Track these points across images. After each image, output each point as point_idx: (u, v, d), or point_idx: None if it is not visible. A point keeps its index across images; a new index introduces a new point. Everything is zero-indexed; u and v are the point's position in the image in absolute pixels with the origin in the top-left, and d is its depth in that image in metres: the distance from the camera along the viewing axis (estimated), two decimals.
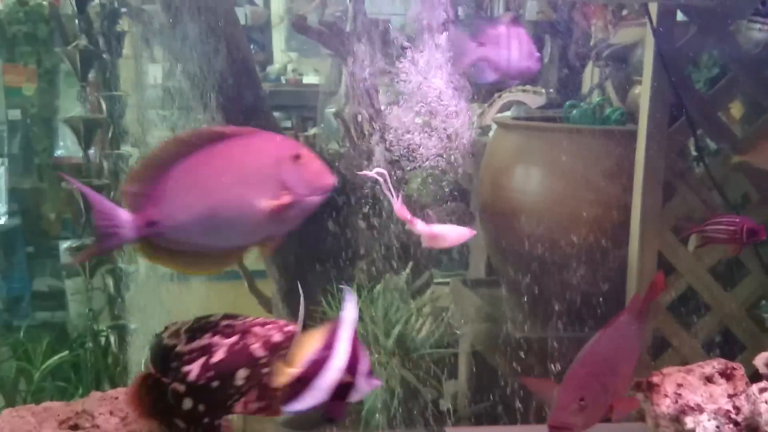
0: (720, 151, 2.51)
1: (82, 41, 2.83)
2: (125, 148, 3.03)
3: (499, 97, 3.78)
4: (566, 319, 2.66)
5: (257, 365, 1.29)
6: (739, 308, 2.50)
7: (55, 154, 4.43)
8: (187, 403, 1.30)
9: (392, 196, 1.44)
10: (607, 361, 1.62)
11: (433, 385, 2.70)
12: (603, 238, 2.59)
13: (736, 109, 2.94)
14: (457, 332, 3.02)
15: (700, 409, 1.73)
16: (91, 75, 2.97)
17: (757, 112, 2.65)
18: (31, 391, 3.52)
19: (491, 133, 3.40)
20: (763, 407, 1.59)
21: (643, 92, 2.40)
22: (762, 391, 1.63)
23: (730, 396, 1.75)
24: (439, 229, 1.48)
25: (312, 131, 4.43)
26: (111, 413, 1.59)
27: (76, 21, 2.84)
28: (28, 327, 4.04)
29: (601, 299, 2.50)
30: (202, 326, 1.33)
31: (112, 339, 2.99)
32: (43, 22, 4.36)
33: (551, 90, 3.67)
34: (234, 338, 1.29)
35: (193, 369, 1.28)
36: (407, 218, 1.44)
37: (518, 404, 2.62)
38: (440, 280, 3.67)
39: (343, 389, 1.23)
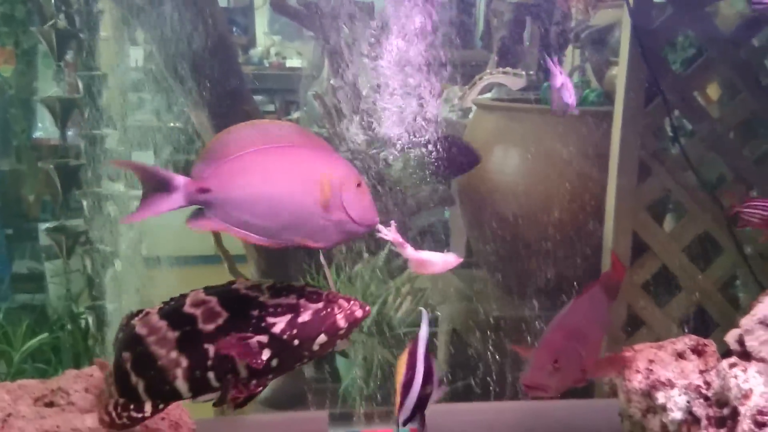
0: (696, 132, 2.53)
1: (59, 21, 2.80)
2: (104, 130, 3.01)
3: (480, 79, 3.78)
4: (544, 297, 2.68)
5: (336, 335, 1.32)
6: (713, 287, 2.53)
7: (34, 136, 4.40)
8: (266, 354, 1.30)
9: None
10: (580, 328, 1.67)
11: None
12: (580, 218, 2.61)
13: (713, 91, 2.96)
14: (438, 313, 3.04)
15: (671, 385, 1.75)
16: (69, 55, 2.94)
17: (733, 93, 2.68)
18: (11, 374, 3.51)
19: (471, 116, 3.41)
20: (732, 382, 1.61)
21: (619, 73, 2.42)
22: (732, 366, 1.65)
23: (701, 372, 1.77)
24: (426, 255, 1.51)
25: (295, 115, 4.42)
26: (86, 390, 1.60)
27: (53, 0, 2.82)
28: (8, 309, 4.03)
29: (577, 278, 2.52)
30: (286, 287, 1.35)
31: (90, 320, 2.98)
32: (21, 2, 4.31)
33: (531, 72, 3.68)
34: (320, 304, 1.32)
35: (279, 323, 1.30)
36: (399, 242, 1.46)
37: (495, 382, 2.64)
38: None
39: (423, 400, 1.36)
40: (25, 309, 4.09)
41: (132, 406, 1.37)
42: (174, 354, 1.33)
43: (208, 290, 1.36)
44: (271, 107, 5.21)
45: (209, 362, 1.32)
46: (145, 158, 3.33)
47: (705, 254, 2.60)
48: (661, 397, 1.75)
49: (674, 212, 2.80)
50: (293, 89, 4.61)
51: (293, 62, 5.45)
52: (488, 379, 2.65)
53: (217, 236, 3.02)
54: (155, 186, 1.34)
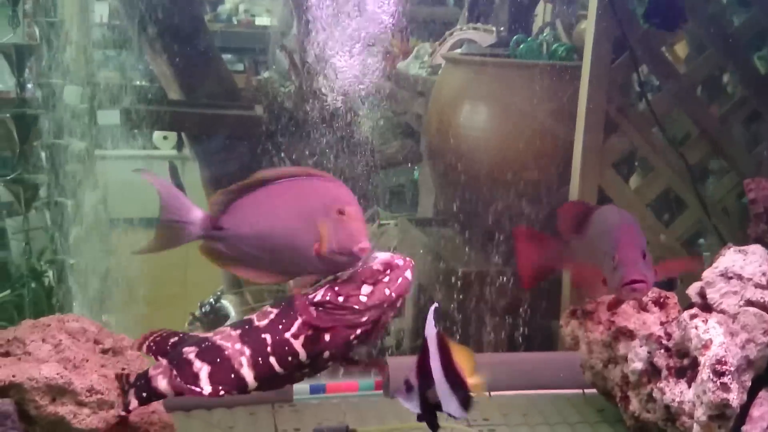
0: (663, 88, 2.53)
1: None
2: (63, 81, 2.93)
3: (450, 35, 3.75)
4: (510, 254, 2.69)
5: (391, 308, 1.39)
6: (677, 243, 2.55)
7: None
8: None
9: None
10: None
11: None
12: (547, 175, 2.61)
13: (681, 49, 2.96)
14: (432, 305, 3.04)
15: (632, 335, 1.77)
16: (28, 3, 2.84)
17: (700, 51, 2.68)
18: None
19: (440, 72, 3.38)
20: (692, 332, 1.63)
21: (587, 27, 2.40)
22: (693, 317, 1.66)
23: (662, 323, 1.79)
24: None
25: (265, 75, 4.35)
26: (43, 340, 1.56)
27: None
28: None
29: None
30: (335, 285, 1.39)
31: (51, 274, 2.93)
32: None
33: (502, 28, 3.65)
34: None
35: (319, 293, 1.38)
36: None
37: (460, 335, 2.66)
38: (386, 222, 3.68)
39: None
40: None
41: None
42: (238, 345, 1.38)
43: (274, 302, 1.43)
44: (240, 66, 5.12)
45: (268, 348, 1.37)
46: (111, 116, 3.26)
47: (669, 210, 2.62)
48: (622, 347, 1.76)
49: (640, 169, 2.81)
50: (263, 48, 4.53)
51: (263, 20, 5.34)
52: (454, 332, 2.66)
53: None
54: (174, 212, 1.44)
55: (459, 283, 2.75)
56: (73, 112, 3.02)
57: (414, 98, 3.74)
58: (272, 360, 1.37)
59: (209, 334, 1.42)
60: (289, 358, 1.37)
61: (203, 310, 3.32)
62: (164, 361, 1.40)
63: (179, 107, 3.25)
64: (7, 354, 1.54)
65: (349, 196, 1.44)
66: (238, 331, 1.39)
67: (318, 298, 1.38)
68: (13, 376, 1.46)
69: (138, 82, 3.71)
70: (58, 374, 1.47)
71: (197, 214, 1.44)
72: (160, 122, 3.16)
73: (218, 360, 1.37)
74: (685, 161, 2.44)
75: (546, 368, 2.03)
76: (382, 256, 1.40)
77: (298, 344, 1.36)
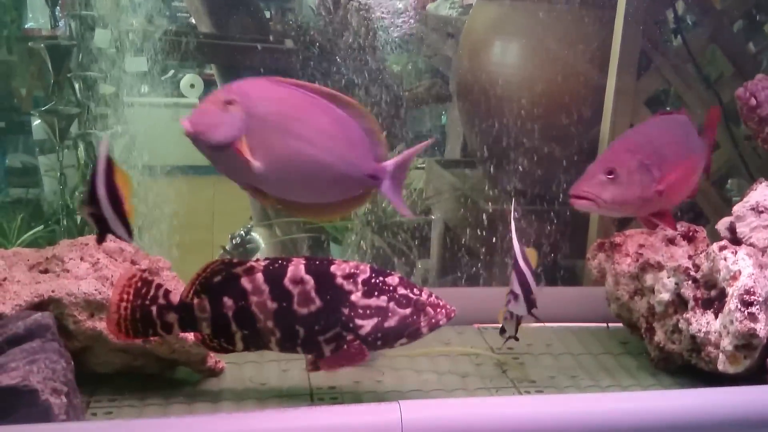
0: (698, 24, 2.48)
1: None
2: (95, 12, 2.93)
3: None
4: (537, 193, 2.69)
5: (415, 339, 1.44)
6: (707, 182, 2.53)
7: (25, 26, 4.29)
8: None
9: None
10: (652, 143, 1.60)
11: (404, 252, 2.74)
12: (579, 113, 2.59)
13: None
14: (432, 214, 3.05)
15: (660, 267, 1.77)
16: None
17: None
18: None
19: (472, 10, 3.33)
20: (721, 264, 1.63)
21: None
22: (722, 249, 1.66)
23: (690, 256, 1.79)
24: None
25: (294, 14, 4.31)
26: (81, 259, 1.60)
27: None
28: (2, 203, 4.02)
29: (571, 178, 2.52)
30: (380, 284, 1.42)
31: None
32: None
33: None
34: (408, 311, 1.41)
35: (367, 326, 1.41)
36: None
37: (485, 273, 2.67)
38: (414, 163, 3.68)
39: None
40: (19, 203, 4.09)
41: (223, 339, 1.45)
42: (270, 324, 1.42)
43: (308, 265, 1.43)
44: (267, 14, 5.07)
45: (299, 340, 1.43)
46: (138, 63, 3.26)
47: None
48: (649, 279, 1.77)
49: (674, 107, 2.77)
50: None
51: None
52: (479, 270, 2.68)
53: None
54: None
55: (486, 221, 2.76)
56: (103, 56, 3.04)
57: (444, 40, 3.71)
58: (298, 348, 1.45)
59: (248, 286, 1.42)
60: (313, 352, 1.45)
61: (234, 242, 3.37)
62: (207, 307, 1.43)
63: (210, 39, 3.24)
64: (46, 271, 1.59)
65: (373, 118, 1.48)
66: (275, 306, 1.41)
67: (363, 332, 1.41)
68: (53, 291, 1.50)
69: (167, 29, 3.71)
70: (96, 290, 1.51)
71: None
72: (192, 56, 3.16)
73: (250, 331, 1.42)
74: (719, 99, 2.41)
75: (570, 301, 2.04)
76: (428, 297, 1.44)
77: (327, 348, 1.44)
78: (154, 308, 1.44)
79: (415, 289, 1.44)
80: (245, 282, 1.42)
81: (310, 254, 3.00)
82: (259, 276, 1.42)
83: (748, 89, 1.89)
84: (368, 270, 1.44)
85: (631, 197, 1.56)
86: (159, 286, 1.46)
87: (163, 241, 3.47)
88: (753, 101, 1.87)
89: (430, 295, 1.44)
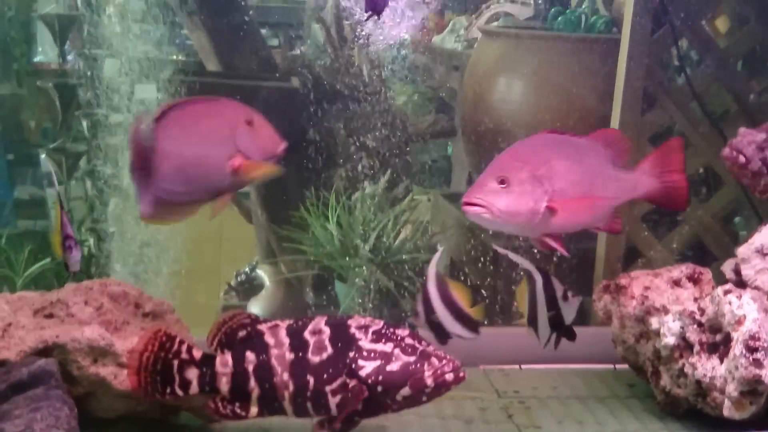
0: (702, 62, 2.49)
1: None
2: (104, 51, 2.97)
3: (487, 8, 3.71)
4: None
5: (421, 391, 1.41)
6: (713, 220, 2.52)
7: (34, 60, 4.33)
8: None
9: None
10: (541, 156, 1.55)
11: (410, 291, 2.74)
12: None
13: (722, 23, 2.90)
14: (438, 247, 3.04)
15: (665, 310, 1.76)
16: None
17: (742, 25, 2.63)
18: None
19: (476, 45, 3.35)
20: (726, 308, 1.62)
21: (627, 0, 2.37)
22: (726, 293, 1.66)
23: (695, 299, 1.78)
24: None
25: (301, 49, 4.36)
26: (86, 303, 1.61)
27: None
28: (10, 235, 4.03)
29: None
30: (390, 332, 1.44)
31: (91, 241, 3.00)
32: None
33: (539, 1, 3.61)
34: (412, 359, 1.40)
35: (368, 367, 1.40)
36: None
37: (491, 309, 2.66)
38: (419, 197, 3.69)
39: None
40: (27, 235, 4.10)
41: (237, 404, 1.46)
42: (286, 376, 1.43)
43: (329, 318, 1.47)
44: (275, 41, 5.12)
45: (308, 393, 1.43)
46: (147, 90, 3.29)
47: (707, 187, 2.59)
48: (655, 322, 1.76)
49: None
50: (299, 22, 4.53)
51: None
52: (484, 306, 2.66)
53: None
54: None
55: (491, 258, 2.76)
56: (112, 85, 3.07)
57: (449, 72, 3.73)
58: (308, 405, 1.44)
59: (270, 340, 1.45)
60: (321, 411, 1.44)
61: (239, 279, 3.38)
62: (230, 362, 1.45)
63: (217, 78, 3.29)
64: (51, 315, 1.60)
65: (249, 108, 1.53)
66: (292, 357, 1.43)
67: (363, 373, 1.40)
68: (57, 337, 1.50)
69: (176, 56, 3.74)
70: (100, 336, 1.52)
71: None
72: (199, 94, 3.18)
73: (267, 386, 1.43)
74: (723, 137, 2.40)
75: (577, 342, 2.02)
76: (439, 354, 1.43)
77: (333, 402, 1.42)
78: (175, 362, 1.46)
79: (423, 342, 1.44)
80: (269, 337, 1.45)
81: (314, 292, 3.01)
82: (283, 331, 1.46)
83: (733, 147, 1.82)
84: (382, 323, 1.46)
85: (524, 208, 1.51)
86: (182, 342, 1.48)
87: (170, 267, 3.48)
88: (741, 158, 1.81)
89: (437, 349, 1.44)
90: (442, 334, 1.59)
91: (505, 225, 1.55)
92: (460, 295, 1.60)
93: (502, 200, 1.49)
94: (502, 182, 1.49)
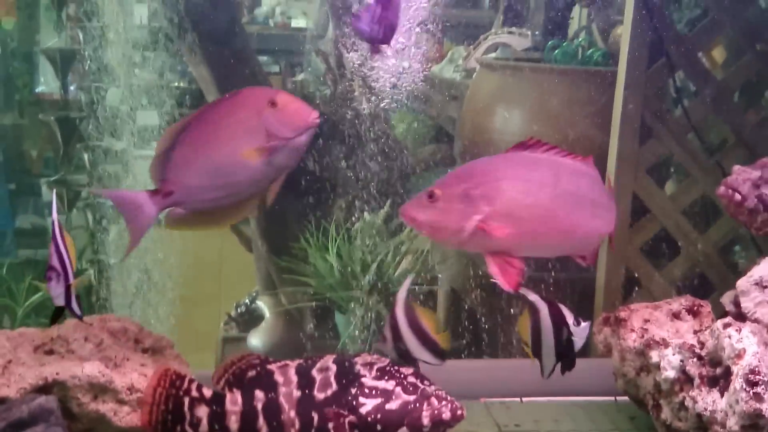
0: (699, 94, 2.51)
1: None
2: (105, 84, 3.00)
3: (485, 39, 3.75)
4: (542, 259, 2.68)
5: (419, 430, 1.41)
6: (712, 250, 2.53)
7: (36, 90, 4.37)
8: None
9: None
10: (488, 175, 1.53)
11: None
12: None
13: (718, 54, 2.93)
14: (439, 276, 3.05)
15: (665, 344, 1.76)
16: (71, 8, 2.92)
17: (738, 55, 2.65)
18: (15, 328, 3.55)
19: (474, 75, 3.38)
20: (726, 341, 1.62)
21: (623, 32, 2.39)
22: (726, 326, 1.65)
23: (695, 332, 1.78)
24: None
25: (300, 76, 4.40)
26: (86, 339, 1.62)
27: None
28: (11, 264, 4.04)
29: None
30: (390, 371, 1.45)
31: (92, 273, 3.01)
32: None
33: (537, 32, 3.65)
34: (412, 397, 1.42)
35: (368, 404, 1.42)
36: None
37: (490, 340, 2.66)
38: None
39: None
40: (28, 264, 4.11)
41: None
42: (293, 413, 1.44)
43: (338, 357, 1.48)
44: (275, 68, 5.17)
45: (313, 430, 1.43)
46: (149, 117, 3.32)
47: (705, 217, 2.60)
48: (655, 356, 1.76)
49: (675, 175, 2.79)
50: (298, 50, 4.58)
51: (298, 22, 5.39)
52: (484, 336, 2.67)
53: None
54: (126, 207, 1.49)
55: (490, 287, 2.76)
56: (114, 113, 3.10)
57: (448, 101, 3.76)
58: None
59: (279, 379, 1.45)
60: None
61: (239, 310, 3.38)
62: (239, 400, 1.45)
63: None
64: (51, 352, 1.60)
65: (270, 89, 1.53)
66: (299, 394, 1.44)
67: (363, 410, 1.41)
68: (57, 374, 1.50)
69: (177, 84, 3.78)
70: (99, 372, 1.52)
71: (142, 196, 1.49)
72: None
73: (275, 424, 1.43)
74: (721, 168, 2.42)
75: (577, 375, 2.02)
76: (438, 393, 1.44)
77: None
78: (186, 399, 1.46)
79: (425, 381, 1.45)
80: (278, 375, 1.46)
81: (314, 324, 3.01)
82: (292, 369, 1.47)
83: (728, 186, 1.81)
84: (387, 361, 1.48)
85: (448, 224, 1.50)
86: (192, 380, 1.49)
87: (169, 293, 3.49)
88: (737, 197, 1.80)
89: (439, 390, 1.44)
90: (408, 360, 1.59)
91: (437, 239, 1.59)
92: (427, 322, 1.60)
93: (425, 214, 1.50)
94: (431, 197, 1.50)
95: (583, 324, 1.66)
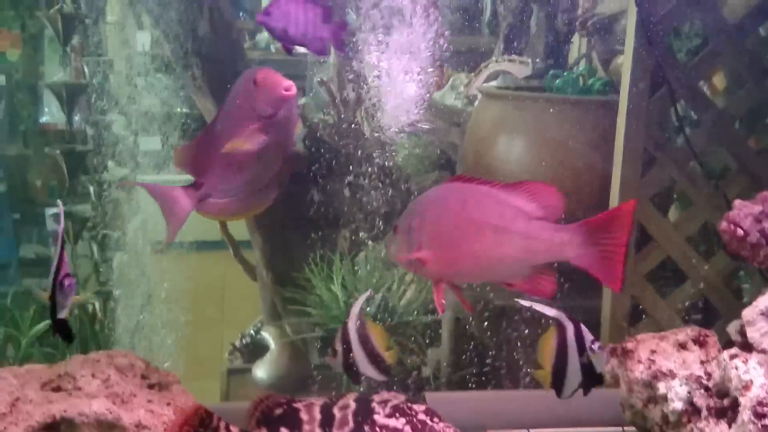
0: (701, 122, 2.52)
1: (65, 5, 2.81)
2: (110, 116, 3.03)
3: (486, 66, 3.78)
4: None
5: None
6: (717, 278, 2.53)
7: (41, 121, 4.41)
8: None
9: None
10: (426, 208, 1.58)
11: (416, 352, 2.74)
12: (584, 209, 2.61)
13: (719, 81, 2.95)
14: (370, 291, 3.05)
15: (672, 375, 1.76)
16: (76, 40, 2.95)
17: (739, 83, 2.67)
18: (19, 357, 3.55)
19: (476, 103, 3.41)
20: (733, 373, 1.62)
21: (624, 62, 2.41)
22: (733, 357, 1.66)
23: (702, 362, 1.78)
24: None
25: (302, 101, 4.42)
26: (93, 375, 1.62)
27: None
28: (16, 293, 4.04)
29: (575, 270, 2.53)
30: (402, 409, 1.47)
31: (97, 305, 3.01)
32: None
33: (538, 60, 3.67)
34: None
35: None
36: None
37: (497, 370, 2.65)
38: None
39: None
40: (32, 293, 4.11)
41: None
42: None
43: (359, 395, 1.51)
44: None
45: None
46: (152, 143, 3.34)
47: (709, 245, 2.60)
48: (662, 387, 1.76)
49: (679, 203, 2.80)
50: (300, 75, 4.61)
51: (299, 48, 5.43)
52: (490, 367, 2.66)
53: (222, 222, 3.06)
54: (164, 200, 1.55)
55: (495, 314, 2.76)
56: (117, 140, 3.12)
57: (450, 128, 3.77)
58: None
59: (304, 417, 1.47)
60: None
61: (243, 341, 3.38)
62: None
63: None
64: (58, 389, 1.60)
65: (258, 68, 1.53)
66: None
67: None
68: (65, 411, 1.51)
69: (178, 110, 3.81)
70: (107, 410, 1.52)
71: (177, 191, 1.55)
72: None
73: None
74: (724, 196, 2.43)
75: (585, 406, 2.02)
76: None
77: None
78: None
79: (435, 418, 1.46)
80: (303, 414, 1.48)
81: (320, 355, 3.01)
82: (317, 408, 1.49)
83: (730, 221, 1.81)
84: (403, 397, 1.49)
85: (399, 257, 1.59)
86: (220, 418, 1.50)
87: (173, 318, 3.49)
88: (740, 232, 1.80)
89: (448, 427, 1.46)
90: (354, 375, 1.63)
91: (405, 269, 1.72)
92: (377, 337, 1.63)
93: (390, 247, 1.61)
94: (395, 230, 1.58)
95: (603, 345, 1.66)
